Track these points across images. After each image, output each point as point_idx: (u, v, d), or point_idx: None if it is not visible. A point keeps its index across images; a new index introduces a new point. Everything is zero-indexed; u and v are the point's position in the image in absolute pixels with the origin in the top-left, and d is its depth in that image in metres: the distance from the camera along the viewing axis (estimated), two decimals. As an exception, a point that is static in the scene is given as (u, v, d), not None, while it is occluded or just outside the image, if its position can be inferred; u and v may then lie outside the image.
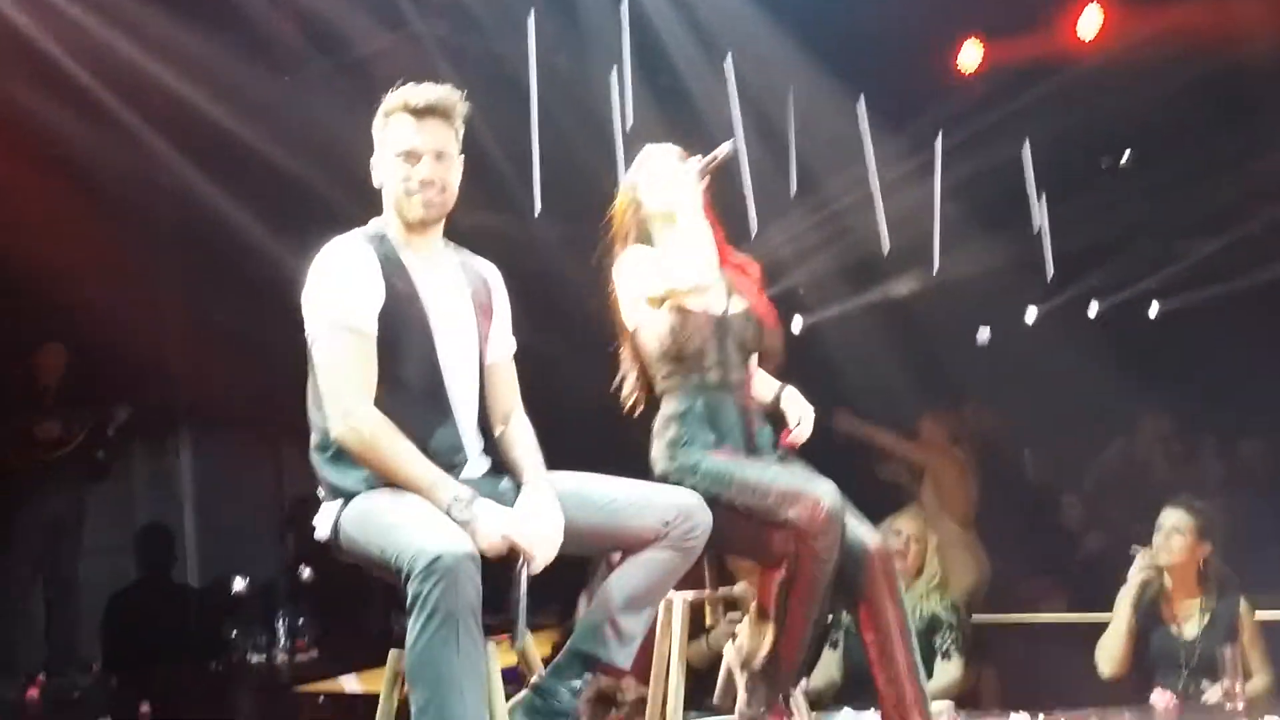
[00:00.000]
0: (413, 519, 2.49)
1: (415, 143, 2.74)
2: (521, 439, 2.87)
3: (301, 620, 6.76)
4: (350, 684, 5.71)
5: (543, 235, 6.15)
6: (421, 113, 2.75)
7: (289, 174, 5.77)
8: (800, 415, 3.26)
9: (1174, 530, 4.38)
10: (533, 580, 2.82)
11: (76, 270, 5.77)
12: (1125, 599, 4.47)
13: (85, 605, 6.24)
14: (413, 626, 2.40)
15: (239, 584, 6.79)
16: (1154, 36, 6.45)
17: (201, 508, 7.22)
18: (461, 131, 2.83)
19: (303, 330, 2.75)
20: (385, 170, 2.80)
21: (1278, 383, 7.78)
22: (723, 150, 3.23)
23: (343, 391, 2.62)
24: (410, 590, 2.40)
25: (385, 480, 2.63)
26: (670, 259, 3.16)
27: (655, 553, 2.78)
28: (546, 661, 3.04)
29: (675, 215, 3.18)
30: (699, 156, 3.26)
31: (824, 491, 3.00)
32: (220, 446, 7.33)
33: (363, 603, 6.33)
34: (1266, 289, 8.21)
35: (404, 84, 2.81)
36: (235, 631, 6.75)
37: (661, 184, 3.23)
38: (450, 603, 2.37)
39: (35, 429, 5.96)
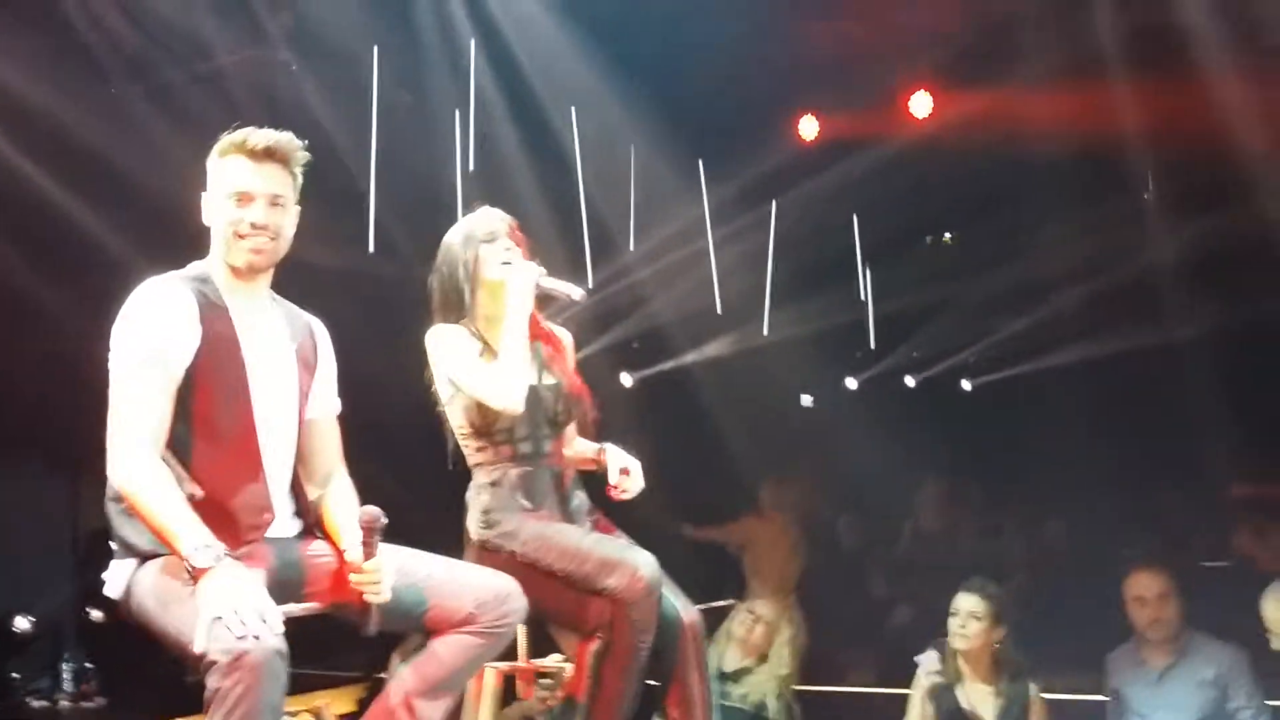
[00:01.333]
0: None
1: (250, 185, 2.63)
2: (342, 503, 2.76)
3: (89, 664, 6.40)
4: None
5: (376, 272, 6.02)
6: (260, 156, 2.64)
7: (108, 192, 5.52)
8: (624, 466, 3.23)
9: (970, 616, 4.47)
10: (340, 631, 2.73)
11: None
12: (916, 701, 4.54)
13: None
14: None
15: (24, 622, 6.38)
16: (979, 120, 6.72)
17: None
18: (299, 181, 2.72)
19: (105, 363, 2.60)
20: (215, 211, 2.67)
21: (1080, 464, 8.14)
22: (573, 293, 3.17)
23: (125, 434, 2.48)
24: (210, 684, 2.27)
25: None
26: (487, 374, 3.08)
27: (464, 636, 2.68)
28: (347, 717, 2.93)
29: (511, 309, 3.11)
30: (542, 271, 3.18)
31: (642, 561, 2.98)
32: (12, 474, 6.90)
33: (156, 649, 6.02)
34: (1073, 368, 8.60)
35: (239, 126, 2.69)
36: (17, 674, 6.35)
37: (505, 268, 3.17)
38: (253, 701, 2.23)
39: None
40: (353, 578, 2.61)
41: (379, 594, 2.60)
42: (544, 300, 3.24)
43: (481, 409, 3.11)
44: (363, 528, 2.61)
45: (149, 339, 2.53)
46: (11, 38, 5.09)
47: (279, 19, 5.40)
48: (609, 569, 2.96)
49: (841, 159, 7.08)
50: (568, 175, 6.32)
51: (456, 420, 3.20)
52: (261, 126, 2.72)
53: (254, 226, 2.63)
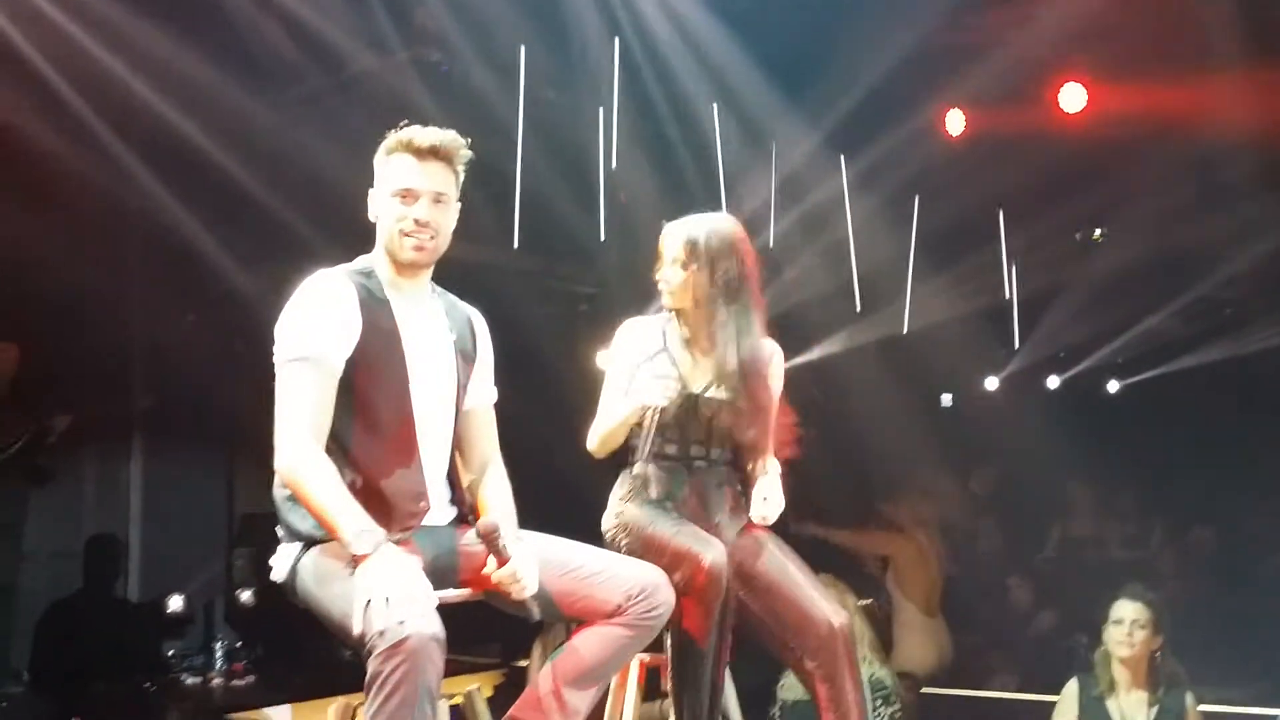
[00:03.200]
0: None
1: (414, 183, 2.68)
2: (495, 491, 2.80)
3: (240, 644, 6.62)
4: (281, 715, 5.57)
5: (520, 267, 6.11)
6: (424, 154, 2.68)
7: (264, 192, 5.70)
8: (765, 494, 3.15)
9: (1134, 624, 4.34)
10: (478, 618, 2.77)
11: (35, 268, 5.65)
12: (1069, 705, 4.43)
13: (22, 612, 6.07)
14: (371, 703, 2.31)
15: (179, 602, 6.61)
16: (1135, 114, 6.53)
17: (149, 520, 7.05)
18: (462, 177, 2.76)
19: (268, 353, 2.68)
20: (380, 207, 2.73)
21: (1233, 467, 7.85)
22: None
23: (289, 425, 2.54)
24: (371, 666, 2.30)
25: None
26: (601, 410, 3.11)
27: (612, 628, 2.70)
28: (491, 701, 2.98)
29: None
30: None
31: (706, 553, 2.94)
32: (173, 460, 7.17)
33: (304, 630, 6.19)
34: (1224, 367, 8.30)
35: (408, 123, 2.74)
36: (172, 651, 6.60)
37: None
38: (410, 687, 2.26)
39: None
40: (494, 580, 2.66)
41: (524, 592, 2.64)
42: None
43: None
44: (484, 541, 2.64)
45: (311, 333, 2.59)
46: (187, 39, 5.31)
47: (430, 21, 5.51)
48: (677, 561, 2.94)
49: (988, 153, 6.94)
50: (710, 171, 6.32)
51: None
52: (417, 124, 2.77)
53: (417, 224, 2.68)
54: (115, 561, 6.53)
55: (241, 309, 5.76)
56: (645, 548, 3.02)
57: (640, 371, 3.12)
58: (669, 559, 2.95)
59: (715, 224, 3.19)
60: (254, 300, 5.60)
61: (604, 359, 3.26)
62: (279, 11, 5.30)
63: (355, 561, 2.42)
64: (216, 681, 6.40)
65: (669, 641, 3.00)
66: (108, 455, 6.86)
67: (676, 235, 3.17)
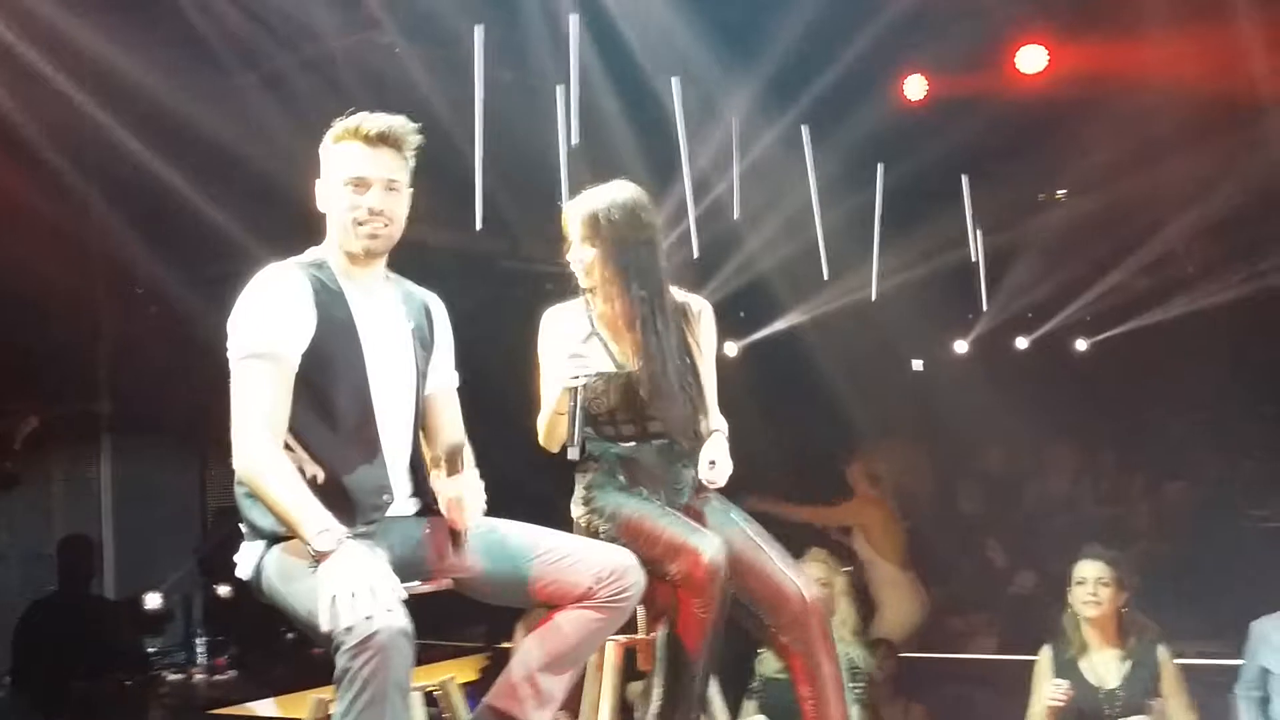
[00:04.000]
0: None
1: (365, 171, 2.64)
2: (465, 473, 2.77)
3: (220, 638, 6.60)
4: (265, 709, 5.56)
5: (484, 248, 6.07)
6: (374, 140, 2.65)
7: (218, 184, 5.65)
8: (713, 458, 3.10)
9: (1098, 582, 4.39)
10: (459, 603, 2.78)
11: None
12: (1045, 674, 4.46)
13: (-2, 617, 6.04)
14: (341, 699, 2.31)
15: (157, 599, 6.59)
16: (1094, 73, 6.54)
17: (121, 519, 7.01)
18: (412, 163, 2.73)
19: (223, 351, 2.65)
20: (331, 196, 2.69)
21: (1203, 422, 7.92)
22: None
23: (246, 424, 2.52)
24: (340, 663, 2.30)
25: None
26: (543, 412, 3.08)
27: (584, 611, 2.70)
28: (470, 686, 2.98)
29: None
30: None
31: (706, 546, 2.92)
32: (142, 457, 7.13)
33: (282, 624, 6.19)
34: (1191, 322, 8.36)
35: (355, 111, 2.70)
36: (153, 648, 6.57)
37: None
38: (381, 681, 2.26)
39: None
40: (440, 496, 2.66)
41: (461, 519, 2.65)
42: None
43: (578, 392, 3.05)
44: (446, 461, 2.67)
45: (264, 329, 2.56)
46: (131, 28, 5.23)
47: (381, 3, 5.45)
48: (672, 554, 2.93)
49: (949, 117, 6.94)
50: (671, 146, 6.29)
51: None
52: (369, 110, 2.73)
53: (371, 212, 2.65)
54: (89, 561, 6.48)
55: (202, 301, 5.71)
56: (632, 536, 2.99)
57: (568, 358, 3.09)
58: (662, 549, 2.94)
59: (613, 195, 3.12)
60: (214, 292, 5.56)
61: (542, 329, 3.21)
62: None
63: (318, 559, 2.40)
64: (199, 677, 6.40)
65: (659, 629, 3.00)
66: (76, 455, 6.81)
67: (576, 213, 3.12)
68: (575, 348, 3.11)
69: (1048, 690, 4.30)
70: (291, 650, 6.35)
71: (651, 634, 3.22)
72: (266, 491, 2.49)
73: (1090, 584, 4.40)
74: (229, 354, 2.60)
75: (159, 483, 7.19)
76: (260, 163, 5.34)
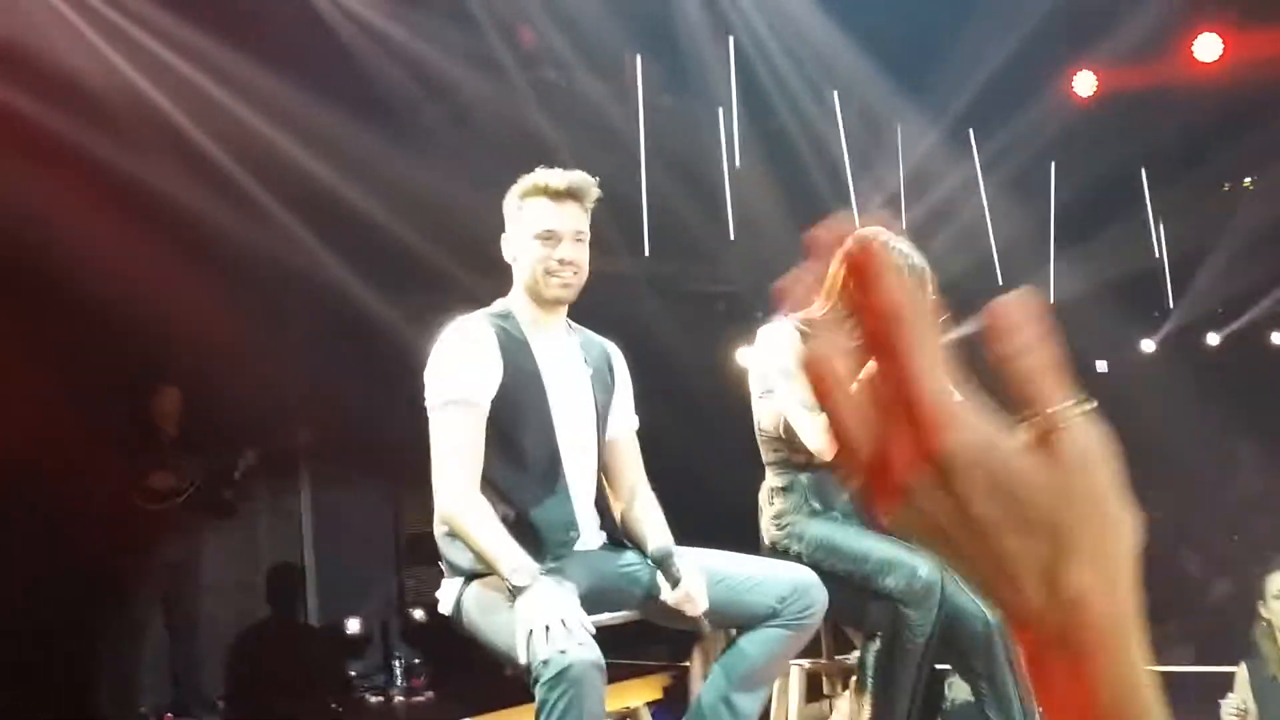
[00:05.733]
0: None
1: (555, 224, 2.77)
2: (648, 514, 2.88)
3: (418, 660, 6.83)
4: (468, 728, 5.71)
5: (653, 273, 6.17)
6: (560, 196, 2.77)
7: (402, 228, 5.89)
8: None
9: None
10: (640, 623, 2.86)
11: (193, 313, 5.92)
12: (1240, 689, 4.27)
13: (209, 643, 6.37)
14: None
15: (357, 624, 6.87)
16: (1273, 58, 6.29)
17: (321, 547, 7.34)
18: (590, 215, 2.85)
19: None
20: (521, 249, 2.81)
21: None
22: None
23: (446, 469, 2.67)
24: (538, 695, 2.41)
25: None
26: (814, 420, 2.99)
27: (770, 630, 2.76)
28: (655, 705, 3.05)
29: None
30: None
31: (922, 562, 2.94)
32: (340, 488, 7.44)
33: (477, 645, 6.35)
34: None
35: (539, 168, 2.81)
36: (354, 671, 6.84)
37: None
38: (577, 712, 2.37)
39: (151, 478, 6.06)
40: (668, 603, 2.75)
41: (697, 610, 2.73)
42: None
43: (787, 433, 3.09)
44: (658, 567, 2.75)
45: (458, 380, 2.70)
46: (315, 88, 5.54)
47: (542, 41, 5.62)
48: (888, 569, 2.95)
49: (1123, 111, 6.75)
50: (834, 161, 6.29)
51: (761, 418, 3.20)
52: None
53: (561, 263, 2.77)
54: (294, 588, 6.80)
55: (389, 338, 5.96)
56: (837, 557, 3.02)
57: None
58: (874, 565, 2.97)
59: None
60: (400, 329, 5.80)
61: (749, 356, 3.25)
62: (397, 51, 5.47)
63: (515, 594, 2.53)
64: (398, 699, 6.61)
65: (874, 646, 3.02)
66: (278, 489, 7.14)
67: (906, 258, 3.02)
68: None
69: (1224, 709, 4.13)
70: (485, 672, 6.52)
71: (840, 657, 3.25)
72: (466, 531, 2.64)
73: None
74: (427, 402, 2.74)
75: (356, 512, 7.49)
76: (442, 202, 5.56)
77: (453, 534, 2.70)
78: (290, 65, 5.48)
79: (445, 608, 2.76)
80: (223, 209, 5.81)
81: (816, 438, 3.05)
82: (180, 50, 5.36)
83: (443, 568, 2.79)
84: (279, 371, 6.96)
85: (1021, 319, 0.66)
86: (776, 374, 3.13)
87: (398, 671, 6.71)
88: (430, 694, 6.65)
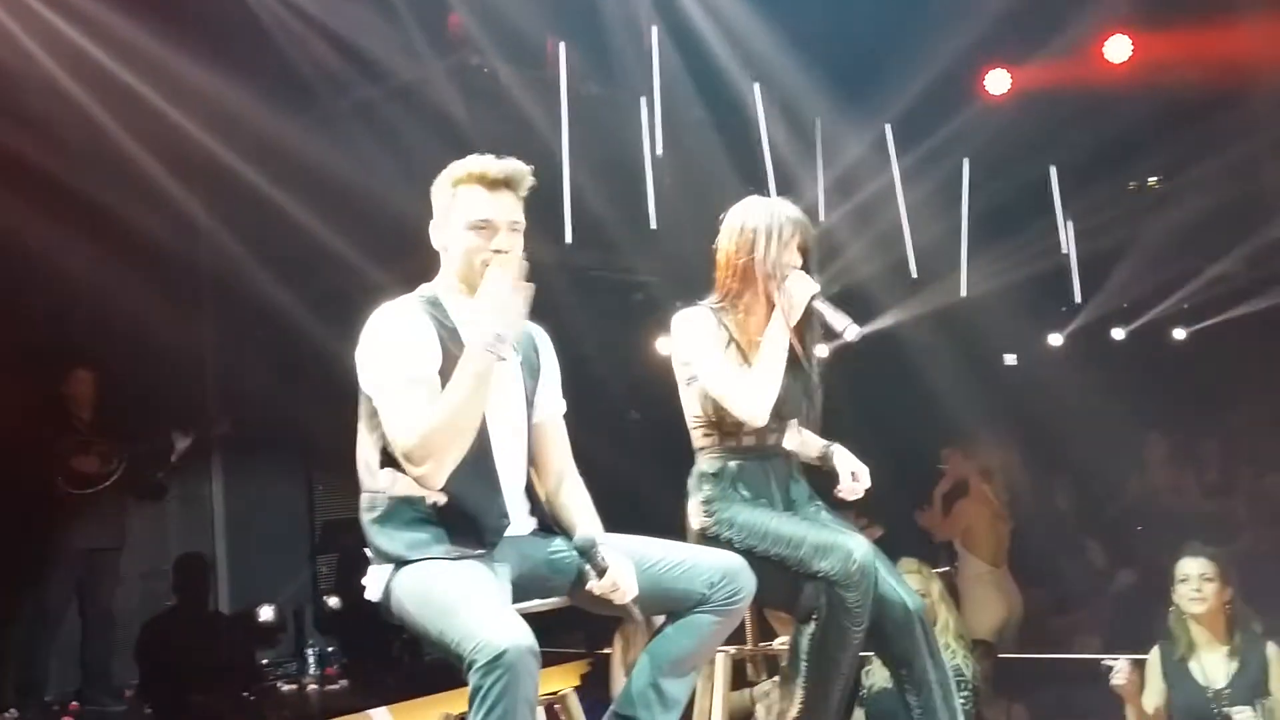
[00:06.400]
0: (474, 604, 2.48)
1: (491, 214, 2.73)
2: (575, 499, 2.88)
3: (331, 648, 6.77)
4: (379, 717, 5.69)
5: (574, 262, 6.17)
6: (496, 184, 2.74)
7: (317, 212, 5.82)
8: (854, 471, 3.23)
9: (1202, 578, 4.34)
10: (559, 612, 2.87)
11: (107, 298, 5.81)
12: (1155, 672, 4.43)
13: (118, 632, 6.25)
14: (473, 715, 2.42)
15: (270, 612, 6.79)
16: (1180, 61, 6.46)
17: (233, 535, 7.24)
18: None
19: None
20: (453, 238, 2.78)
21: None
22: (848, 331, 3.05)
23: (409, 432, 2.61)
24: (472, 681, 2.41)
25: (434, 543, 2.66)
26: (737, 382, 3.08)
27: (699, 616, 2.79)
28: (577, 690, 3.07)
29: (779, 324, 3.08)
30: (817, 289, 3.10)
31: (856, 544, 3.00)
32: (252, 474, 7.34)
33: (392, 632, 6.33)
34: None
35: (472, 149, 2.79)
36: (266, 659, 6.76)
37: (795, 287, 3.08)
38: (510, 699, 2.38)
39: (73, 462, 5.93)
40: (597, 592, 2.74)
41: (625, 598, 2.73)
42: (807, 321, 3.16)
43: (715, 411, 3.14)
44: (583, 556, 2.73)
45: (412, 357, 2.68)
46: (227, 61, 5.43)
47: (466, 26, 5.58)
48: (823, 553, 2.99)
49: (1035, 110, 6.90)
50: (755, 151, 6.34)
51: (689, 405, 3.23)
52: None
53: (496, 253, 2.73)
54: (204, 577, 6.70)
55: (302, 325, 5.89)
56: (770, 542, 3.05)
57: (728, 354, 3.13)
58: (809, 550, 3.01)
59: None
60: (314, 316, 5.74)
61: (670, 344, 3.26)
62: (317, 30, 5.39)
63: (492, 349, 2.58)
64: (312, 687, 6.56)
65: (809, 630, 3.04)
66: (189, 474, 7.03)
67: (802, 222, 3.19)
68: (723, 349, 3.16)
69: (1115, 672, 4.28)
70: (401, 659, 6.50)
71: (764, 644, 3.29)
72: (446, 420, 2.59)
73: (1194, 580, 4.36)
74: (371, 385, 2.70)
75: (269, 499, 7.40)
76: (357, 188, 5.50)
77: (383, 520, 2.68)
78: (206, 47, 5.38)
79: (373, 594, 2.73)
80: (134, 192, 5.70)
81: (745, 404, 3.08)
82: (90, 30, 5.23)
83: (368, 554, 2.76)
84: (190, 356, 6.86)
85: None
86: (698, 354, 3.16)
87: (311, 660, 6.65)
88: (344, 682, 6.61)
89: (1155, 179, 8.53)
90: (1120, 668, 4.32)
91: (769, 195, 3.34)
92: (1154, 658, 4.47)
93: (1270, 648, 4.32)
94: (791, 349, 3.14)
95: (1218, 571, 4.35)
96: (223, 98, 5.43)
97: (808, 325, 3.17)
